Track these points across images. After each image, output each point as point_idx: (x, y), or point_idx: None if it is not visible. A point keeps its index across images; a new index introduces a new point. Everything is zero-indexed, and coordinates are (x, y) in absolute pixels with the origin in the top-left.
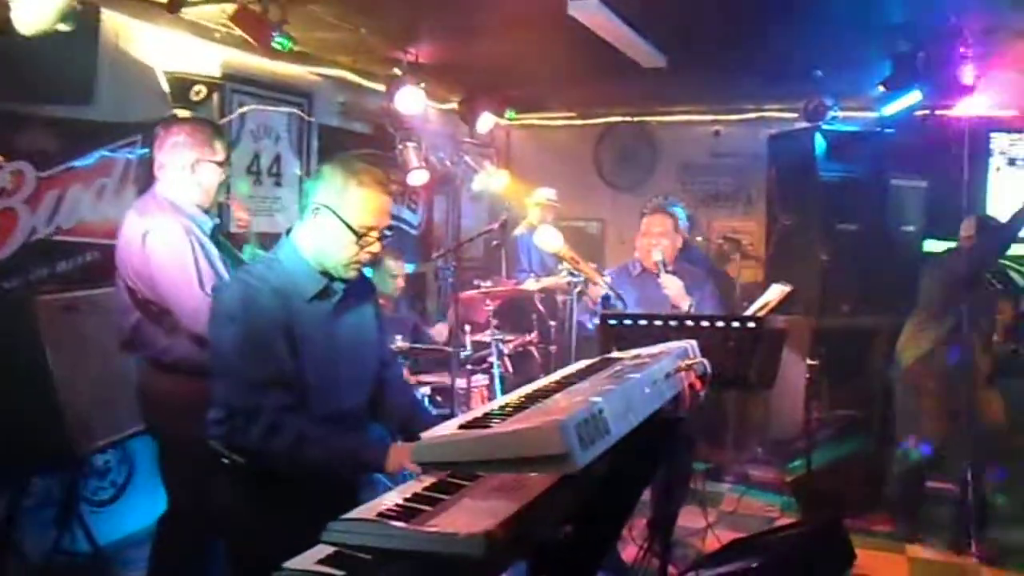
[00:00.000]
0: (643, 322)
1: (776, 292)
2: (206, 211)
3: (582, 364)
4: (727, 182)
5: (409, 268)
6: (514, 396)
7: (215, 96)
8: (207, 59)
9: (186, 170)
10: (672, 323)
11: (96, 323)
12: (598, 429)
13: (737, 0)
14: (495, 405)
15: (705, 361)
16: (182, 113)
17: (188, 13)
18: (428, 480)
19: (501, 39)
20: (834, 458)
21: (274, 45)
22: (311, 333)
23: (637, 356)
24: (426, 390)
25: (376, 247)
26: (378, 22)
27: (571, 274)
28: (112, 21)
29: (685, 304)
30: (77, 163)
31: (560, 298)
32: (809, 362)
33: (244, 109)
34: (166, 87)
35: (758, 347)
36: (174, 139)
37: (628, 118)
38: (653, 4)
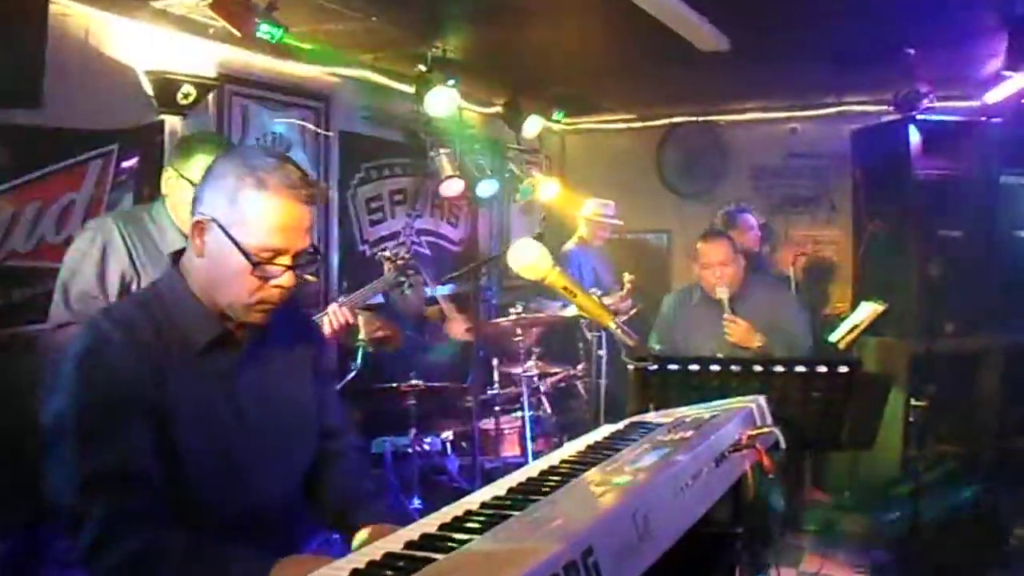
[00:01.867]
0: (694, 367)
1: (866, 312)
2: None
3: (602, 433)
4: (806, 185)
5: (445, 290)
6: (500, 488)
7: (210, 99)
8: (200, 58)
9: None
10: (733, 369)
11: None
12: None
13: None
14: (470, 504)
15: (777, 431)
16: (170, 119)
17: (174, 6)
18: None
19: (543, 27)
20: (940, 508)
21: (261, 35)
22: (200, 400)
23: (679, 422)
24: (447, 434)
25: (286, 279)
26: (394, 10)
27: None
28: (81, 16)
29: (755, 345)
30: (35, 176)
31: (620, 319)
32: (913, 403)
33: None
34: (149, 89)
35: (853, 398)
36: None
37: (693, 118)
38: None
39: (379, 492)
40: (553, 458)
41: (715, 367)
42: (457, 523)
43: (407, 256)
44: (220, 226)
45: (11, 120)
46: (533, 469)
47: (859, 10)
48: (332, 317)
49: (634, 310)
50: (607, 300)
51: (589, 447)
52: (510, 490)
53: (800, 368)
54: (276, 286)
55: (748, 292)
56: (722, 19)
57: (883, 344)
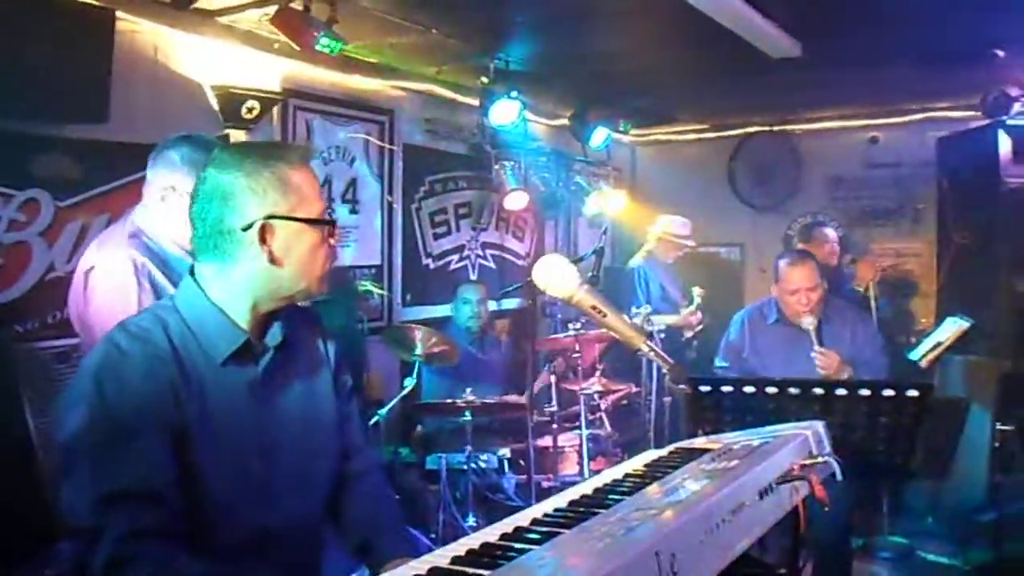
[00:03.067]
0: (749, 389)
1: (951, 329)
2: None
3: (643, 460)
4: (887, 196)
5: (512, 303)
6: (524, 520)
7: (274, 113)
8: (264, 72)
9: (157, 197)
10: (792, 391)
11: None
12: None
13: None
14: (489, 536)
15: (833, 460)
16: (234, 133)
17: (240, 22)
18: None
19: (609, 37)
20: None
21: (320, 49)
22: (220, 415)
23: (727, 449)
24: (504, 452)
25: (337, 235)
26: (457, 22)
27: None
28: (149, 32)
29: (844, 377)
30: (104, 190)
31: (688, 333)
32: (1000, 427)
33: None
34: (215, 103)
35: (925, 424)
36: (164, 157)
37: (767, 127)
38: None
39: (398, 518)
40: (587, 487)
41: (772, 389)
42: (472, 556)
43: None
44: (286, 218)
45: (79, 135)
46: (562, 499)
47: (943, 9)
48: None
49: (700, 326)
50: (673, 318)
51: (626, 475)
52: (534, 521)
53: (865, 391)
54: (333, 245)
55: (830, 316)
56: (793, 24)
57: (969, 364)
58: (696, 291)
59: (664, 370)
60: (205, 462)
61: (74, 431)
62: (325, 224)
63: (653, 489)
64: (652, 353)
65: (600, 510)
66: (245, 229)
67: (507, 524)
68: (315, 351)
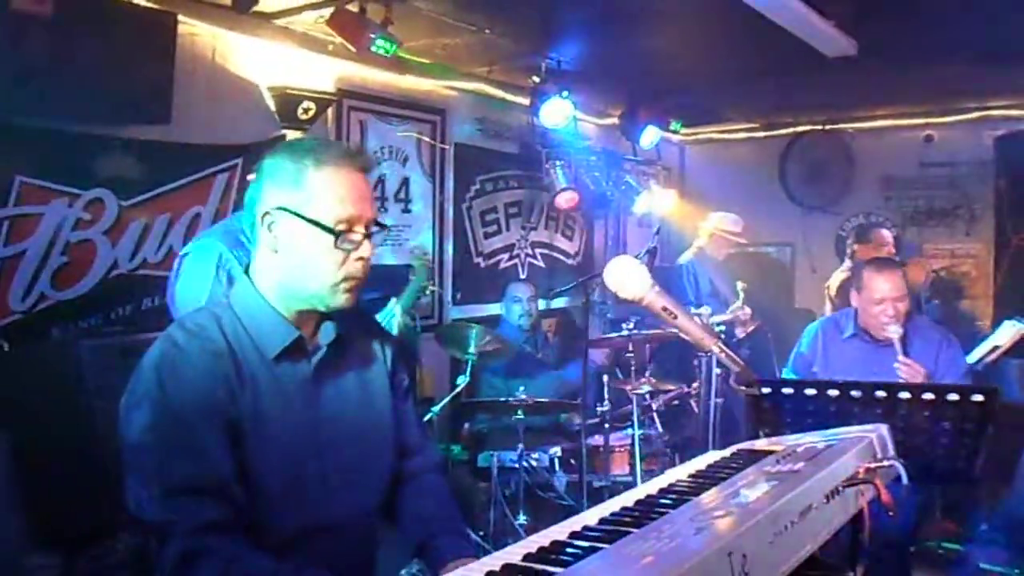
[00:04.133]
0: (810, 391)
1: (1009, 332)
2: None
3: (706, 460)
4: (943, 196)
5: (560, 302)
6: (591, 519)
7: (329, 113)
8: (319, 73)
9: None
10: (854, 394)
11: None
12: None
13: None
14: (558, 534)
15: (899, 464)
16: (291, 134)
17: (295, 24)
18: None
19: (660, 35)
20: None
21: (375, 50)
22: (274, 411)
23: (790, 452)
24: (556, 451)
25: (365, 249)
26: (508, 22)
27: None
28: (208, 35)
29: None
30: (166, 190)
31: (740, 332)
32: None
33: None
34: (272, 105)
35: (988, 429)
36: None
37: (819, 126)
38: None
39: (457, 518)
40: (651, 487)
41: (833, 392)
42: (543, 553)
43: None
44: (292, 212)
45: (142, 136)
46: (628, 498)
47: (1002, 5)
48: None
49: (754, 326)
50: (724, 316)
51: (691, 476)
52: (601, 520)
53: (928, 395)
54: (358, 258)
55: (911, 333)
56: (848, 22)
57: None
58: (739, 285)
59: (735, 369)
60: (258, 458)
61: (137, 428)
62: (327, 230)
63: (719, 490)
64: (723, 354)
65: (667, 510)
66: (263, 216)
67: (574, 523)
68: (370, 349)
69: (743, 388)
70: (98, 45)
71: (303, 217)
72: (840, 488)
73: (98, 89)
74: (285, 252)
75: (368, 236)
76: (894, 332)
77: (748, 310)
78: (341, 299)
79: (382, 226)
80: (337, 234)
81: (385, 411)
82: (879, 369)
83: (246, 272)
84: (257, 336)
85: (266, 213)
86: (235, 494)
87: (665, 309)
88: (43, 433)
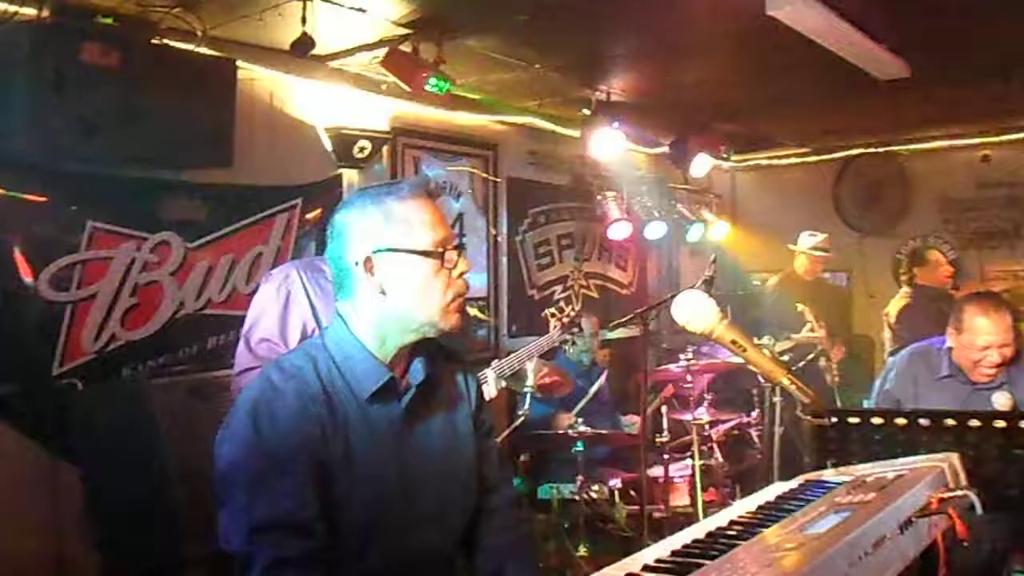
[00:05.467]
0: (877, 420)
1: None
2: None
3: (773, 492)
4: (1002, 216)
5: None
6: (664, 550)
7: (384, 152)
8: (374, 113)
9: None
10: (922, 422)
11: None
12: None
13: None
14: (631, 566)
15: (972, 494)
16: (347, 172)
17: (349, 65)
18: None
19: (706, 64)
20: None
21: (428, 88)
22: (364, 451)
23: (859, 482)
24: (615, 482)
25: (463, 264)
26: (557, 56)
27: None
28: (266, 80)
29: None
30: (229, 231)
31: (836, 355)
32: None
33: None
34: (328, 145)
35: None
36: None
37: (872, 149)
38: None
39: (533, 553)
40: (720, 519)
41: (901, 420)
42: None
43: (572, 314)
44: (390, 249)
45: (206, 179)
46: (700, 530)
47: None
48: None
49: (842, 353)
50: (797, 339)
51: (760, 508)
52: (674, 552)
53: (1000, 423)
54: (459, 275)
55: (1016, 378)
56: (901, 44)
57: None
58: (799, 307)
59: (805, 401)
60: (347, 496)
61: (230, 463)
62: (430, 255)
63: (790, 521)
64: (793, 386)
65: (739, 541)
66: (357, 264)
67: (645, 555)
68: (455, 387)
69: (813, 418)
70: (163, 93)
71: (406, 250)
72: (913, 519)
73: (163, 135)
74: (394, 289)
75: (459, 252)
76: (1003, 402)
77: (823, 333)
78: (452, 319)
79: (462, 244)
80: (441, 254)
81: (469, 450)
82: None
83: (338, 314)
84: (351, 378)
85: (366, 259)
86: (318, 532)
87: (734, 342)
88: (114, 470)
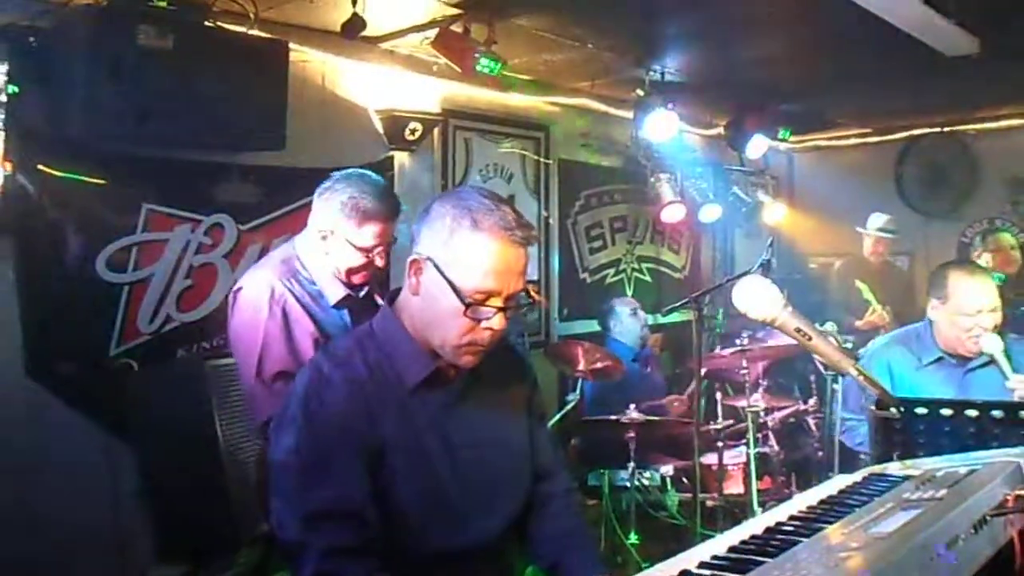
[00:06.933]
0: (946, 411)
1: None
2: (353, 286)
3: (836, 485)
4: None
5: (663, 319)
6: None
7: (435, 133)
8: (425, 94)
9: (318, 234)
10: (995, 414)
11: None
12: None
13: None
14: (688, 563)
15: None
16: (399, 155)
17: (400, 46)
18: None
19: (763, 41)
20: None
21: (479, 69)
22: (411, 440)
23: (928, 477)
24: (667, 469)
25: (497, 322)
26: (610, 35)
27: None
28: (318, 62)
29: None
30: (280, 213)
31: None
32: None
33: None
34: (380, 127)
35: None
36: (331, 198)
37: (936, 128)
38: None
39: (589, 540)
40: (780, 513)
41: (972, 412)
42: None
43: None
44: (436, 266)
45: (258, 161)
46: (758, 524)
47: None
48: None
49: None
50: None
51: (821, 502)
52: (730, 548)
53: None
54: (487, 328)
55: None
56: (970, 19)
57: None
58: (860, 286)
59: (874, 392)
60: (398, 484)
61: (283, 452)
62: (459, 299)
63: (854, 518)
64: (861, 377)
65: (800, 538)
66: (412, 258)
67: (702, 551)
68: (508, 374)
69: (881, 411)
70: (215, 76)
71: (444, 276)
72: (988, 517)
73: (216, 118)
74: (422, 300)
75: (504, 310)
76: (992, 347)
77: (889, 318)
78: (462, 360)
79: (530, 302)
80: (468, 304)
81: (523, 436)
82: (975, 393)
83: (391, 302)
84: (398, 365)
85: (415, 259)
86: (370, 519)
87: (798, 330)
88: (169, 450)
